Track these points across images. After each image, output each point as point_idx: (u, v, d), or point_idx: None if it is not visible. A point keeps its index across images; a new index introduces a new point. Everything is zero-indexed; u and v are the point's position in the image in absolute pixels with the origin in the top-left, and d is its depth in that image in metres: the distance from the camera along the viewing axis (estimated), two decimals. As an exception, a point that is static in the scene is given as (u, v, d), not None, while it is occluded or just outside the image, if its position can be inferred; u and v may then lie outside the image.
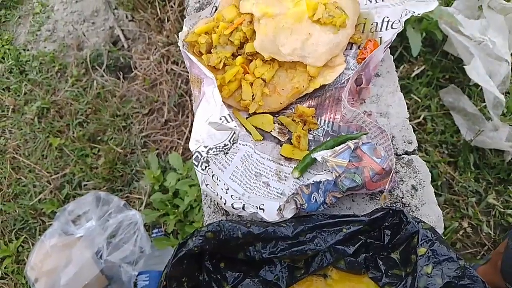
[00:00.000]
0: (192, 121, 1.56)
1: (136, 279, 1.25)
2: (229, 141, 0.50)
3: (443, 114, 1.46)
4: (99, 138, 1.56)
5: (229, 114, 0.51)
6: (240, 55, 0.67)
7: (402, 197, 0.58)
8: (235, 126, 0.49)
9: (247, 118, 0.64)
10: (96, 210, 1.25)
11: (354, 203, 0.58)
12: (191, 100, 1.59)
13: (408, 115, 0.64)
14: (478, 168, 1.37)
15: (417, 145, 0.62)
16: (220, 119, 0.50)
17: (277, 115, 0.65)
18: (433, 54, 1.52)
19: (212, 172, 0.52)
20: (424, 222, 0.49)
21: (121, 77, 1.69)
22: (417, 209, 0.57)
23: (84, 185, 1.47)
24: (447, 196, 1.33)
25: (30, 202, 1.47)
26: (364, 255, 0.49)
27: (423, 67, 1.47)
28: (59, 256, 1.22)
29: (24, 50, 1.83)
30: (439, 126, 1.43)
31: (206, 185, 0.49)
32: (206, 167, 0.49)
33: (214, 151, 0.49)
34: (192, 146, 0.49)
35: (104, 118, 1.59)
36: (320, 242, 0.47)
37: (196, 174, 1.35)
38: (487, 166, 1.38)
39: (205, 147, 0.49)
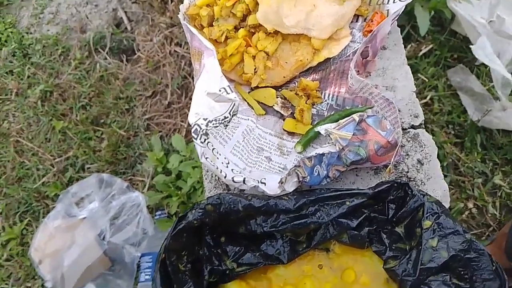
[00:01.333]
0: (195, 103, 1.54)
1: (139, 261, 1.25)
2: (229, 113, 0.49)
3: (450, 94, 1.43)
4: (102, 121, 1.56)
5: (228, 86, 0.49)
6: (242, 27, 0.65)
7: (408, 171, 0.56)
8: (235, 97, 0.48)
9: (249, 92, 0.63)
10: (99, 192, 1.25)
11: (358, 178, 0.57)
12: (194, 83, 1.57)
13: (415, 88, 0.62)
14: (485, 148, 1.35)
15: (423, 119, 0.60)
16: (220, 90, 0.49)
17: (280, 89, 0.63)
18: (441, 33, 1.49)
19: (212, 145, 0.51)
20: (429, 196, 0.48)
21: (124, 59, 1.67)
22: (422, 183, 0.56)
23: (88, 168, 1.47)
24: (453, 176, 1.32)
25: (33, 185, 1.47)
26: (367, 228, 0.48)
27: (430, 46, 1.44)
28: (63, 238, 1.22)
29: (27, 33, 1.81)
30: (446, 107, 1.41)
31: (206, 158, 0.48)
32: (205, 139, 0.48)
33: (213, 124, 0.48)
34: (191, 118, 0.48)
35: (107, 101, 1.57)
36: (323, 215, 0.46)
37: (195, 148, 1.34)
38: (494, 147, 1.36)
39: (205, 119, 0.48)
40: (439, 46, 1.48)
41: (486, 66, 1.43)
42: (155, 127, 1.51)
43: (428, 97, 1.42)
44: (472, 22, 1.32)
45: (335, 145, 0.49)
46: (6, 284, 1.34)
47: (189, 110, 1.61)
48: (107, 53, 1.68)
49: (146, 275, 1.20)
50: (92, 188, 1.26)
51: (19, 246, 1.37)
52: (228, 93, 0.48)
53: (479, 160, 1.33)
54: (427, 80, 1.43)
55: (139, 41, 1.69)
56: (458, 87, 1.44)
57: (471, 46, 1.28)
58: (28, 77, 1.68)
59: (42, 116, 1.58)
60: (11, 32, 1.80)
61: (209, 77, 0.51)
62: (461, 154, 1.35)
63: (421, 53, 1.45)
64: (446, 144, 1.35)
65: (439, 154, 1.31)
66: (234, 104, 0.48)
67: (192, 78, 1.58)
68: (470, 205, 1.29)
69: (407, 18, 1.48)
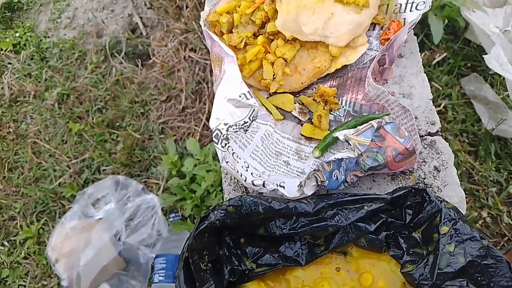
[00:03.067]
0: (209, 108, 1.57)
1: (153, 262, 1.27)
2: (249, 118, 0.50)
3: (464, 103, 1.43)
4: (117, 124, 1.59)
5: (248, 92, 0.51)
6: (261, 34, 0.66)
7: (425, 178, 0.57)
8: (255, 103, 0.49)
9: (267, 98, 0.64)
10: (115, 193, 1.27)
11: (375, 184, 0.57)
12: (208, 88, 1.59)
13: (432, 96, 0.63)
14: (499, 158, 1.34)
15: (440, 126, 0.60)
16: (240, 96, 0.50)
17: (298, 95, 0.64)
18: (455, 42, 1.49)
19: (232, 150, 0.52)
20: (446, 202, 0.49)
21: (139, 64, 1.70)
22: (439, 190, 0.56)
23: (103, 170, 1.50)
24: (467, 185, 1.31)
25: (50, 186, 1.50)
26: (385, 233, 0.49)
27: (444, 54, 1.44)
28: (79, 238, 1.25)
29: (45, 37, 1.86)
30: (460, 115, 1.41)
31: (226, 162, 0.50)
32: (226, 144, 0.49)
33: (234, 129, 0.50)
34: (212, 123, 0.49)
35: (123, 105, 1.60)
36: (341, 218, 0.47)
37: (216, 152, 1.36)
38: (509, 156, 1.35)
39: (225, 124, 0.49)
40: (453, 55, 1.48)
41: (500, 75, 1.43)
42: (169, 131, 1.54)
43: (442, 105, 1.42)
44: (486, 31, 1.32)
45: (353, 150, 0.50)
46: (24, 281, 1.37)
47: (203, 115, 1.64)
48: (122, 57, 1.72)
49: (160, 276, 1.22)
50: (108, 190, 1.28)
51: (36, 245, 1.40)
52: (248, 99, 0.50)
53: (493, 169, 1.33)
54: (441, 89, 1.43)
55: (154, 46, 1.72)
56: (472, 96, 1.43)
57: (484, 56, 1.28)
58: (46, 80, 1.72)
59: (59, 118, 1.62)
60: (30, 36, 1.85)
61: (230, 83, 0.52)
62: (475, 163, 1.34)
63: (434, 61, 1.45)
64: (460, 152, 1.34)
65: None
66: (254, 109, 0.50)
67: (206, 83, 1.61)
68: (484, 214, 1.28)
69: (420, 27, 1.49)
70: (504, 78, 1.36)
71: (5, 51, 1.80)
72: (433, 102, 1.47)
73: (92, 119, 1.60)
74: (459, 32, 1.50)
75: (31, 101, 1.69)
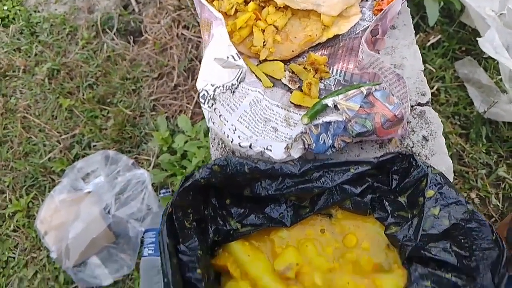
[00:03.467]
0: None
1: (143, 236, 1.27)
2: (236, 80, 0.50)
3: (457, 86, 1.43)
4: (108, 100, 1.57)
5: (236, 54, 0.50)
6: (252, 1, 0.65)
7: (413, 147, 0.57)
8: (242, 64, 0.49)
9: (257, 65, 0.64)
10: (105, 168, 1.27)
11: (363, 151, 0.57)
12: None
13: (423, 67, 0.62)
14: (490, 141, 1.35)
15: (430, 97, 0.60)
16: (227, 57, 0.49)
17: (288, 63, 0.64)
18: (450, 25, 1.48)
19: (219, 112, 0.52)
20: (433, 168, 0.49)
21: (131, 41, 1.68)
22: (427, 159, 0.56)
23: (94, 146, 1.48)
24: (457, 167, 1.32)
25: (40, 161, 1.49)
26: (370, 195, 0.49)
27: (439, 36, 1.44)
28: (68, 211, 1.24)
29: (35, 11, 1.82)
30: (453, 98, 1.41)
31: (213, 123, 0.49)
32: (212, 104, 0.49)
33: (221, 89, 0.49)
34: (199, 84, 0.49)
35: (114, 81, 1.58)
36: (327, 180, 0.47)
37: (207, 129, 1.35)
38: (500, 139, 1.36)
39: (212, 85, 0.49)
40: (448, 38, 1.48)
41: (494, 59, 1.43)
42: (161, 108, 1.52)
43: (435, 88, 1.42)
44: (481, 14, 1.31)
45: (342, 115, 0.50)
46: (13, 253, 1.37)
47: (195, 93, 1.62)
48: (114, 34, 1.69)
49: (149, 249, 1.22)
50: (97, 164, 1.27)
51: (25, 218, 1.39)
52: (236, 60, 0.49)
53: (484, 151, 1.34)
54: (434, 71, 1.43)
55: (147, 23, 1.69)
56: (465, 79, 1.43)
57: (478, 38, 1.28)
58: (36, 55, 1.69)
59: (49, 94, 1.60)
60: (19, 10, 1.81)
61: (218, 45, 0.51)
62: (466, 145, 1.35)
63: (429, 43, 1.45)
64: (451, 134, 1.35)
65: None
66: (242, 71, 0.49)
67: (199, 61, 1.59)
68: (473, 195, 1.30)
69: (416, 9, 1.48)
70: (497, 62, 1.36)
71: (-7, 24, 1.76)
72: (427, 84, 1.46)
73: (83, 95, 1.58)
74: (455, 15, 1.49)
75: (21, 76, 1.66)
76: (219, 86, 0.49)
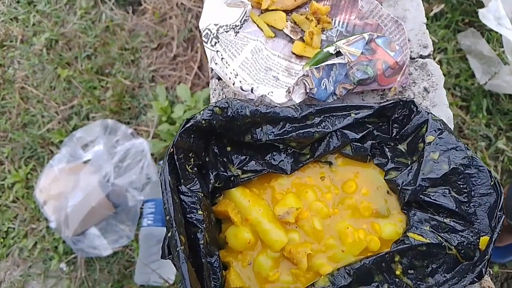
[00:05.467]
0: (201, 57, 1.54)
1: (142, 207, 1.27)
2: (239, 21, 0.49)
3: (459, 58, 1.42)
4: (107, 71, 1.55)
5: (240, -7, 0.49)
6: (254, -49, 0.63)
7: (414, 98, 0.57)
8: (246, 2, 0.48)
9: (259, 15, 0.62)
10: (104, 137, 1.26)
11: (363, 102, 0.57)
12: (200, 36, 1.56)
13: (426, 20, 0.61)
14: (490, 113, 1.35)
15: (432, 49, 0.60)
16: (231, -5, 0.48)
17: (290, 14, 0.63)
18: (454, -4, 1.46)
19: (221, 55, 0.51)
20: (434, 114, 0.48)
21: (130, 11, 1.65)
22: (428, 109, 0.56)
23: (92, 117, 1.48)
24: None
25: (38, 132, 1.48)
26: (370, 142, 0.49)
27: (442, 6, 1.42)
28: (67, 180, 1.24)
29: (32, -19, 1.78)
30: (454, 70, 1.40)
31: (215, 63, 0.49)
32: (216, 43, 0.48)
33: (224, 29, 0.48)
34: (202, 23, 0.48)
35: (113, 52, 1.57)
36: (328, 125, 0.47)
37: (207, 96, 1.34)
38: (500, 112, 1.36)
39: (215, 25, 0.48)
40: (451, 9, 1.46)
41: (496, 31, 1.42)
42: (160, 79, 1.51)
43: (437, 59, 1.40)
44: (486, -17, 1.29)
45: (344, 58, 0.50)
46: (13, 224, 1.38)
47: (194, 64, 1.60)
48: (113, 3, 1.66)
49: (149, 220, 1.23)
50: (96, 134, 1.27)
51: (24, 189, 1.40)
52: (239, -2, 0.48)
53: (484, 124, 1.33)
54: (437, 42, 1.41)
55: (146, -7, 1.66)
56: (468, 51, 1.42)
57: (479, 10, 1.26)
58: (33, 24, 1.67)
59: (47, 64, 1.58)
60: (16, -21, 1.78)
61: None
62: (466, 117, 1.35)
63: (432, 13, 1.43)
64: (452, 106, 1.34)
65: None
66: (246, 11, 0.48)
67: (198, 31, 1.57)
68: (471, 166, 1.30)
69: (420, -22, 1.45)
70: (501, 35, 1.34)
71: (-11, -7, 1.73)
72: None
73: (81, 65, 1.56)
74: (459, -14, 1.47)
75: (19, 46, 1.64)
76: (222, 26, 0.48)
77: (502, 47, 1.35)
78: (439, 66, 0.58)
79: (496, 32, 1.42)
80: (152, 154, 1.30)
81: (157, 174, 1.28)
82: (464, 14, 1.46)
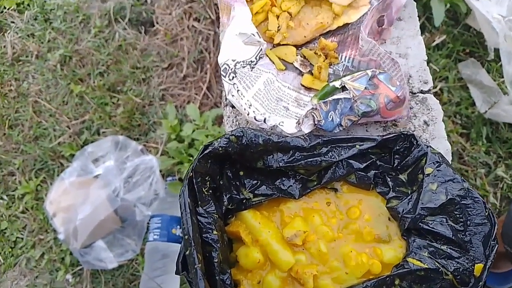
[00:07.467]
0: (210, 77, 1.59)
1: (148, 222, 1.30)
2: (255, 57, 0.53)
3: (460, 86, 1.47)
4: (118, 88, 1.60)
5: (257, 32, 0.54)
6: (268, -11, 0.69)
7: (414, 131, 0.61)
8: (263, 41, 0.52)
9: (271, 49, 0.67)
10: (115, 153, 1.30)
11: (367, 133, 0.61)
12: (210, 57, 1.61)
13: (427, 57, 0.66)
14: (490, 141, 1.39)
15: (432, 85, 0.64)
16: (251, 33, 0.53)
17: (300, 48, 0.67)
18: (455, 27, 1.52)
19: (237, 87, 0.55)
20: (432, 148, 0.52)
21: (142, 31, 1.71)
22: (427, 142, 0.60)
23: (103, 132, 1.52)
24: (457, 165, 1.36)
25: (49, 145, 1.52)
26: (373, 171, 0.53)
27: (443, 37, 1.47)
28: (77, 193, 1.28)
29: (49, -1, 1.85)
30: (455, 98, 1.44)
31: (232, 95, 0.53)
32: (233, 77, 0.52)
33: (241, 64, 0.53)
34: (221, 59, 0.52)
35: (125, 70, 1.62)
36: (334, 155, 0.51)
37: (214, 117, 1.38)
38: (499, 140, 1.39)
39: (233, 60, 0.52)
40: (452, 40, 1.51)
41: (497, 62, 1.47)
42: (169, 98, 1.56)
43: (438, 87, 1.45)
44: (487, 17, 1.34)
45: (349, 93, 0.54)
46: (22, 234, 1.41)
47: (203, 84, 1.66)
48: (126, 23, 1.73)
49: (155, 235, 1.25)
50: (107, 149, 1.31)
51: (34, 200, 1.43)
52: (255, 37, 0.53)
53: (483, 151, 1.37)
54: (438, 71, 1.46)
55: (158, 14, 1.73)
56: (468, 80, 1.47)
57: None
58: (49, 41, 1.73)
59: (60, 80, 1.63)
60: (34, -3, 1.85)
61: (241, 22, 0.55)
62: (466, 144, 1.39)
63: (434, 43, 1.48)
64: (452, 133, 1.38)
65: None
66: (261, 48, 0.53)
67: (208, 53, 1.63)
68: (471, 193, 1.33)
69: (422, 10, 1.51)
70: (500, 65, 1.39)
71: (8, 9, 1.80)
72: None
73: (94, 82, 1.62)
74: (460, 18, 1.52)
75: (34, 61, 1.70)
76: (240, 62, 0.53)
77: (502, 77, 1.40)
78: (438, 102, 0.62)
79: (496, 63, 1.48)
80: (160, 171, 1.34)
81: (164, 190, 1.31)
82: (465, 44, 1.51)
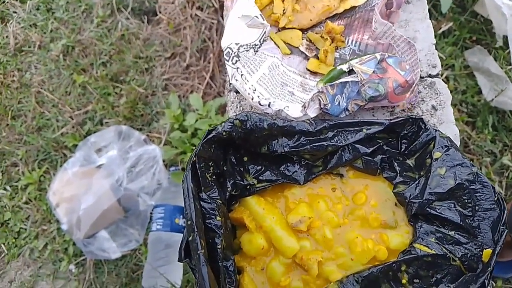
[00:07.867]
0: (214, 67, 1.58)
1: (152, 211, 1.30)
2: (259, 40, 0.52)
3: (466, 74, 1.45)
4: (121, 78, 1.59)
5: (260, 14, 0.52)
6: (272, -29, 0.67)
7: (422, 115, 0.59)
8: (266, 23, 0.51)
9: (276, 32, 0.66)
10: (118, 142, 1.29)
11: (374, 118, 0.60)
12: (213, 47, 1.60)
13: (435, 41, 0.64)
14: (495, 129, 1.37)
15: (440, 69, 0.62)
16: (254, 15, 0.51)
17: (305, 32, 0.66)
18: (462, 14, 1.49)
19: (241, 71, 0.54)
20: (441, 132, 0.51)
21: (145, 20, 1.70)
22: (435, 126, 0.58)
23: (106, 122, 1.52)
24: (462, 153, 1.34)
25: (52, 135, 1.52)
26: (380, 156, 0.52)
27: (450, 24, 1.45)
28: (80, 183, 1.27)
29: (51, -12, 1.84)
30: (461, 86, 1.42)
31: (236, 80, 0.52)
32: (236, 61, 0.51)
33: (245, 48, 0.51)
34: (224, 42, 0.51)
35: (127, 60, 1.61)
36: (340, 139, 0.50)
37: (217, 106, 1.37)
38: (505, 129, 1.38)
39: (236, 44, 0.51)
40: (459, 27, 1.49)
41: (504, 49, 1.44)
42: (173, 87, 1.55)
43: (444, 75, 1.43)
44: (497, 2, 1.32)
45: (357, 76, 0.53)
46: (25, 224, 1.41)
47: (206, 74, 1.64)
48: (129, 13, 1.71)
49: (158, 224, 1.25)
50: (110, 139, 1.30)
51: (36, 191, 1.43)
52: (259, 19, 0.51)
53: (489, 140, 1.35)
54: (444, 58, 1.44)
55: (161, 3, 1.71)
56: (475, 68, 1.45)
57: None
58: (51, 31, 1.72)
59: (63, 70, 1.63)
60: (36, -13, 1.83)
61: (244, 4, 0.54)
62: (472, 133, 1.37)
63: (440, 30, 1.46)
64: (458, 121, 1.37)
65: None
66: (265, 31, 0.51)
67: (212, 42, 1.61)
68: (477, 182, 1.32)
69: (429, -4, 1.49)
70: (508, 52, 1.37)
71: None
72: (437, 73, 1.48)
73: (96, 72, 1.61)
74: (467, 4, 1.50)
75: (36, 51, 1.69)
76: (243, 45, 0.51)
77: (510, 65, 1.37)
78: (446, 85, 0.61)
79: (503, 50, 1.45)
80: (163, 161, 1.34)
81: (168, 180, 1.30)
82: (471, 32, 1.49)
